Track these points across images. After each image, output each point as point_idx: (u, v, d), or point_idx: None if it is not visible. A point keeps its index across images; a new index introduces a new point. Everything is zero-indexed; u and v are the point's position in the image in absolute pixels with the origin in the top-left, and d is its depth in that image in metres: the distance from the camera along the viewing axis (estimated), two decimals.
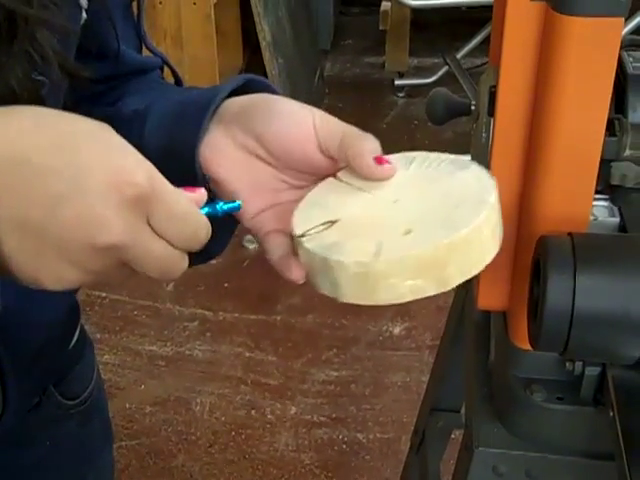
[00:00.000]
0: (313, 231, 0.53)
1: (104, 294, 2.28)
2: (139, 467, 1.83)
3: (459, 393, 1.09)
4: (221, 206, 0.52)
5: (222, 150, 0.59)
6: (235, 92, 0.62)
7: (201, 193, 0.50)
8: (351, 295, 0.51)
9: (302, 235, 0.53)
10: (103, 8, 0.64)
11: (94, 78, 0.64)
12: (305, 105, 0.59)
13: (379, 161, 0.56)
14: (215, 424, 1.92)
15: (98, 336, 2.14)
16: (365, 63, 3.51)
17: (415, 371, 2.02)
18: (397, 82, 3.25)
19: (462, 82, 2.93)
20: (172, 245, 0.46)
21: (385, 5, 3.16)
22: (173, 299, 2.28)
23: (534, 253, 0.61)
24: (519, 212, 0.66)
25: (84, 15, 0.62)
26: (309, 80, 3.02)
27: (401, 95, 3.24)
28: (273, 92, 0.63)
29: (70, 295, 0.76)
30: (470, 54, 3.08)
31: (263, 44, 2.51)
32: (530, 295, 0.62)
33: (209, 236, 0.48)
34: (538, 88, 0.61)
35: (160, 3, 2.27)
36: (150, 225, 0.45)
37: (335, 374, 2.04)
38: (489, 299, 0.72)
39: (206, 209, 0.51)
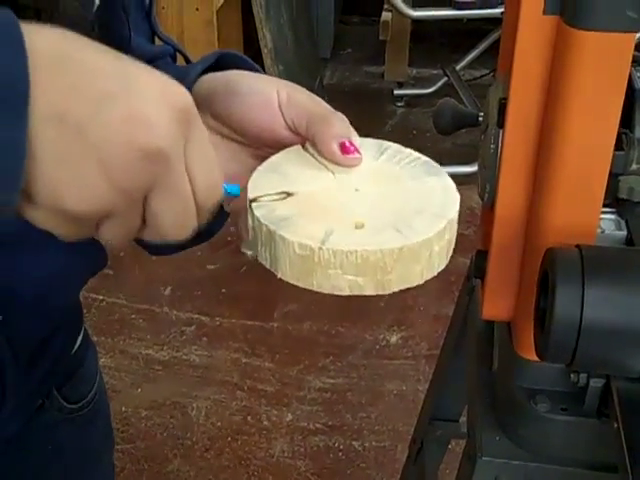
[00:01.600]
0: (266, 198, 0.51)
1: (101, 297, 2.28)
2: (134, 471, 1.83)
3: (458, 402, 1.09)
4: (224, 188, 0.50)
5: None
6: (211, 67, 0.60)
7: None
8: (288, 273, 0.49)
9: (254, 199, 0.51)
10: None
11: None
12: (271, 80, 0.57)
13: (345, 149, 0.54)
14: (211, 429, 1.92)
15: (95, 339, 2.11)
16: (365, 72, 3.52)
17: (411, 380, 2.02)
18: (396, 92, 3.26)
19: (461, 94, 2.95)
20: (194, 193, 0.44)
21: (385, 15, 3.17)
22: (170, 303, 2.28)
23: (542, 265, 0.62)
24: (527, 223, 0.66)
25: (97, 2, 0.61)
26: (309, 88, 3.00)
27: (400, 105, 3.25)
28: (245, 64, 0.61)
29: (75, 292, 0.76)
30: (469, 66, 3.09)
31: (264, 51, 2.51)
32: (537, 306, 0.63)
33: (220, 196, 0.47)
34: (548, 101, 0.61)
35: (163, 8, 2.28)
36: (185, 155, 0.43)
37: (331, 382, 2.04)
38: (494, 309, 0.72)
39: None
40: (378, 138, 0.60)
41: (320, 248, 0.47)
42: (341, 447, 1.87)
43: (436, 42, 3.50)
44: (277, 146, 0.57)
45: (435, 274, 0.51)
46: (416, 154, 0.56)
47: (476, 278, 0.76)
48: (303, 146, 0.56)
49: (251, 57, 2.39)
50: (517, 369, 0.71)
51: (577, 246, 0.60)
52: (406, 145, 0.59)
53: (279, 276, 0.50)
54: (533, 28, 0.60)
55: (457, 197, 0.52)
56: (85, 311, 2.40)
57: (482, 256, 0.72)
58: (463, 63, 3.09)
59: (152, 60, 0.70)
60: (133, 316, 2.24)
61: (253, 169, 0.56)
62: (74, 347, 0.82)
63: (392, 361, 2.10)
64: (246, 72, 0.58)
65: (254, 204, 0.51)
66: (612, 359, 0.59)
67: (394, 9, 2.83)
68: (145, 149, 0.40)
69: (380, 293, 0.49)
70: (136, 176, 0.41)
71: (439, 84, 3.17)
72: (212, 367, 2.09)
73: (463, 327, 0.98)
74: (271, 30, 2.55)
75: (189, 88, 0.58)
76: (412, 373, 2.05)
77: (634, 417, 0.61)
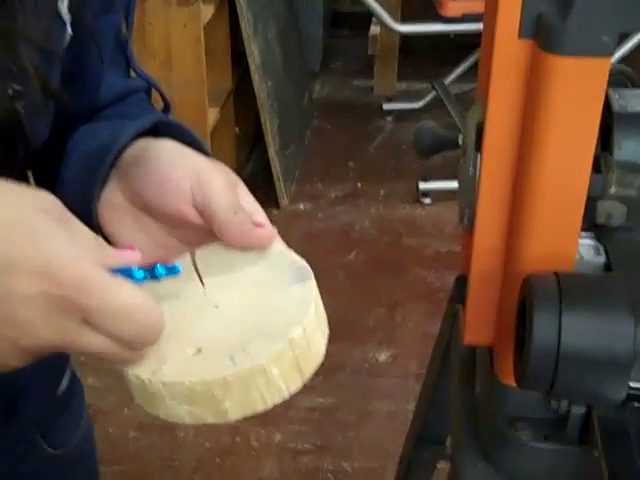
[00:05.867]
0: None
1: None
2: None
3: (445, 425, 1.08)
4: (159, 271, 0.50)
5: (113, 204, 0.57)
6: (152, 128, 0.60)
7: (133, 254, 0.48)
8: (139, 401, 0.50)
9: None
10: (90, 33, 0.63)
11: (76, 110, 0.63)
12: (188, 162, 0.56)
13: (256, 225, 0.54)
14: (199, 450, 1.90)
15: (82, 358, 2.11)
16: (354, 86, 3.52)
17: (400, 399, 2.01)
18: (385, 106, 3.26)
19: (449, 108, 2.95)
20: (120, 340, 0.44)
21: (374, 30, 3.18)
22: None
23: (520, 292, 0.61)
24: (505, 249, 0.65)
25: (69, 31, 0.60)
26: (298, 102, 3.03)
27: (389, 119, 3.25)
28: (181, 133, 0.61)
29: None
30: (458, 80, 3.10)
31: (252, 67, 2.51)
32: (516, 333, 0.62)
33: (162, 328, 0.46)
34: (525, 125, 0.61)
35: (150, 24, 2.27)
36: (89, 322, 0.43)
37: (320, 401, 2.02)
38: (475, 335, 0.71)
39: (143, 273, 0.49)
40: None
41: (150, 380, 0.47)
42: (330, 468, 1.86)
43: (425, 56, 3.51)
44: (189, 227, 0.56)
45: (287, 397, 0.50)
46: (293, 257, 0.55)
47: (457, 303, 0.75)
48: (191, 253, 0.57)
49: (239, 74, 2.37)
50: (498, 395, 0.70)
51: (555, 273, 0.59)
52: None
53: (136, 402, 0.51)
54: (508, 52, 0.59)
55: (310, 310, 0.51)
56: None
57: (462, 281, 0.71)
58: (452, 77, 3.10)
59: (125, 96, 0.70)
60: None
61: (165, 246, 0.57)
62: (58, 390, 0.79)
63: (381, 380, 2.09)
64: (167, 148, 0.57)
65: None
66: (591, 388, 0.58)
67: (382, 24, 2.83)
68: (23, 346, 0.42)
69: (222, 422, 0.48)
70: (27, 359, 0.44)
71: (428, 98, 3.17)
72: None
73: (447, 350, 0.97)
74: (259, 46, 2.55)
75: (118, 154, 0.58)
76: (401, 392, 2.03)
77: (615, 445, 0.60)
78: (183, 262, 0.56)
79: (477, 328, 0.70)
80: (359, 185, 2.80)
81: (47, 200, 0.45)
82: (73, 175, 0.59)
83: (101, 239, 0.48)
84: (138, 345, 0.45)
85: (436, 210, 2.69)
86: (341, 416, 1.99)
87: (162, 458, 1.89)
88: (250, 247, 0.54)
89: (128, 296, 0.44)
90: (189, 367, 0.48)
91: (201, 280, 0.55)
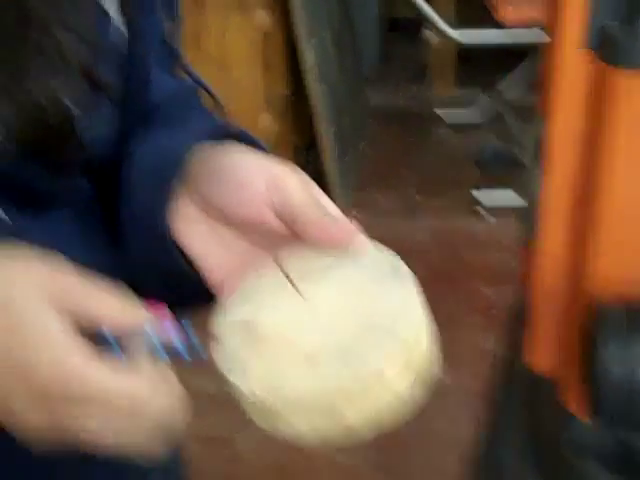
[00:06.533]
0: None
1: None
2: None
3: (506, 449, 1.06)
4: (184, 349, 0.48)
5: (185, 216, 0.56)
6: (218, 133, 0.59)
7: (140, 318, 0.45)
8: (254, 417, 0.48)
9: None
10: (138, 31, 0.62)
11: (128, 112, 0.62)
12: (261, 165, 0.55)
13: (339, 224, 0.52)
14: (259, 465, 1.90)
15: None
16: (409, 93, 3.50)
17: (463, 420, 1.98)
18: (441, 113, 3.23)
19: (506, 118, 2.90)
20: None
21: (430, 35, 3.17)
22: None
23: (587, 321, 0.58)
24: (570, 274, 0.63)
25: (115, 25, 0.59)
26: (353, 108, 3.02)
27: (445, 127, 3.23)
28: (244, 136, 0.59)
29: None
30: (515, 85, 3.06)
31: (308, 73, 2.52)
32: (584, 362, 0.59)
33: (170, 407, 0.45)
34: (589, 142, 0.59)
35: (206, 29, 2.30)
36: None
37: None
38: (538, 360, 0.69)
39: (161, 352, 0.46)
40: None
41: (267, 397, 0.47)
42: None
43: (482, 63, 3.47)
44: (264, 232, 0.54)
45: (407, 399, 0.47)
46: (386, 255, 0.53)
47: (518, 324, 0.73)
48: (280, 264, 0.55)
49: (294, 77, 2.33)
50: (564, 423, 0.67)
51: (624, 302, 0.57)
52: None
53: (249, 419, 0.49)
54: (571, 66, 0.58)
55: (417, 310, 0.49)
56: None
57: (523, 304, 0.69)
58: (508, 83, 3.06)
59: (175, 95, 0.69)
60: None
61: (242, 254, 0.55)
62: None
63: (443, 400, 2.05)
64: (237, 155, 0.56)
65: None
66: None
67: (436, 31, 2.82)
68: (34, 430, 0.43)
69: (351, 437, 0.46)
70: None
71: (484, 105, 3.13)
72: None
73: (509, 371, 0.94)
74: (315, 52, 2.55)
75: (180, 163, 0.56)
76: (464, 412, 1.99)
77: None
78: (271, 271, 0.54)
79: (541, 357, 0.68)
80: (415, 195, 2.78)
81: (44, 276, 0.44)
82: (139, 190, 0.58)
83: (130, 297, 0.45)
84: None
85: (494, 223, 2.64)
86: (403, 437, 1.95)
87: (222, 472, 1.89)
88: (338, 247, 0.53)
89: (110, 382, 0.43)
90: (306, 379, 0.47)
91: (295, 287, 0.53)
